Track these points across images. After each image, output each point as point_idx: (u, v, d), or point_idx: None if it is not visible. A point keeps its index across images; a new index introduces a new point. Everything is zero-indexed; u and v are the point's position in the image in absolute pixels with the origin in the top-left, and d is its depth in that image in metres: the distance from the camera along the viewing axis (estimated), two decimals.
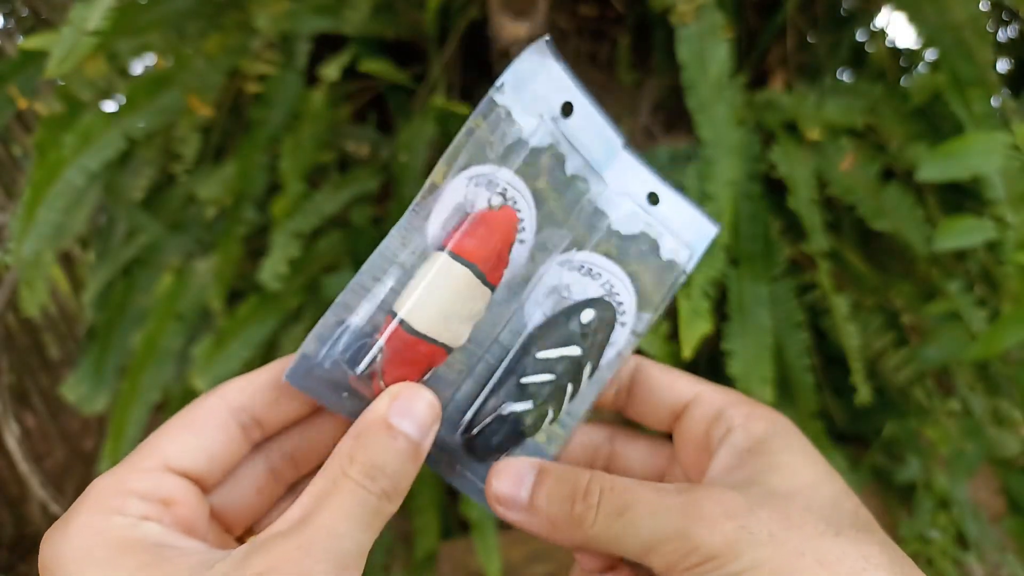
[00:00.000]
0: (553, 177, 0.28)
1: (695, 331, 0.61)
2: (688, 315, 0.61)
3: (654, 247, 0.30)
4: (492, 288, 0.26)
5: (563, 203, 0.28)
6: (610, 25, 0.80)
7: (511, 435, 0.28)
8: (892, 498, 0.91)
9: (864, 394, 0.67)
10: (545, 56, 0.27)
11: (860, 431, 0.91)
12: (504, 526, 0.88)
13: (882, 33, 0.86)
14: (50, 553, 0.21)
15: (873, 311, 0.76)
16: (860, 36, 0.88)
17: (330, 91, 0.76)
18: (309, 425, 0.27)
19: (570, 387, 0.28)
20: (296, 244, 0.72)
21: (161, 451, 0.23)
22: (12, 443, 1.07)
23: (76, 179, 0.71)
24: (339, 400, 0.26)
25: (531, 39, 0.74)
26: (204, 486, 0.24)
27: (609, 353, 0.29)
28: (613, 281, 0.29)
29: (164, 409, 0.79)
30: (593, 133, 0.29)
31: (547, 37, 0.27)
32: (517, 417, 0.27)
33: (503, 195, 0.27)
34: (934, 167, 0.62)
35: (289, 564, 0.20)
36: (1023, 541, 0.82)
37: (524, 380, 0.27)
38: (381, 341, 0.25)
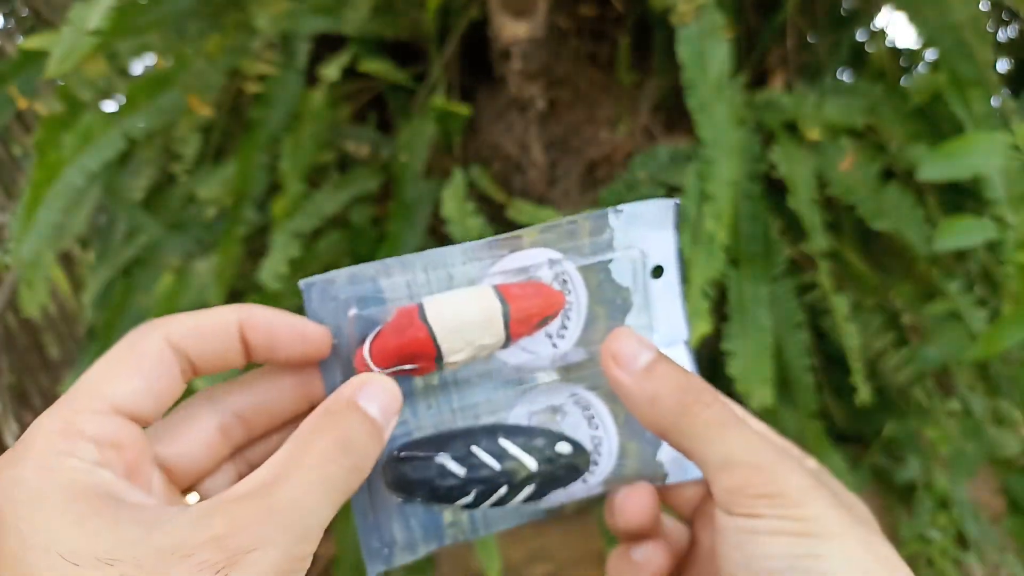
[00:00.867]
0: (612, 312, 0.29)
1: (695, 331, 0.61)
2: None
3: (651, 452, 0.30)
4: (507, 341, 0.27)
5: (606, 335, 0.29)
6: (610, 25, 0.80)
7: (426, 484, 0.27)
8: (892, 498, 0.91)
9: (864, 394, 0.67)
10: (668, 216, 0.28)
11: (860, 431, 0.91)
12: None
13: (882, 33, 0.86)
14: (1, 497, 0.20)
15: (873, 311, 0.76)
16: (860, 36, 0.88)
17: (330, 91, 0.76)
18: (259, 387, 0.27)
19: (503, 490, 0.27)
20: (296, 244, 0.72)
21: (109, 392, 0.23)
22: (12, 443, 1.07)
23: (76, 179, 0.71)
24: (323, 318, 0.26)
25: (531, 39, 0.74)
26: (144, 425, 0.24)
27: (556, 496, 0.29)
28: (604, 443, 0.29)
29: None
30: (667, 309, 0.30)
31: (677, 201, 0.28)
32: (443, 472, 0.27)
33: (566, 288, 0.28)
34: (934, 167, 0.62)
35: (250, 530, 0.20)
36: (1023, 541, 0.82)
37: (473, 449, 0.27)
38: (392, 312, 0.26)
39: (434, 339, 0.25)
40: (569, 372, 0.29)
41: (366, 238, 0.77)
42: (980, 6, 0.65)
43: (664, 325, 0.30)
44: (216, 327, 0.25)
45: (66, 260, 1.26)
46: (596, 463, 0.29)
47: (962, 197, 0.73)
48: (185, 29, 0.79)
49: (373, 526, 0.28)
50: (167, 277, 0.79)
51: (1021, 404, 0.77)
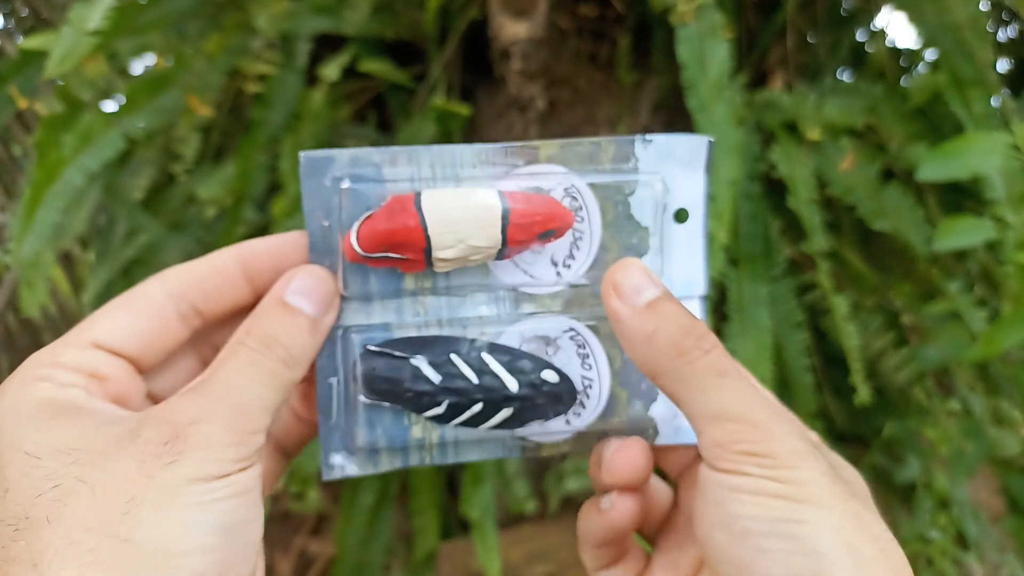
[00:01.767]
0: (626, 250, 0.27)
1: None
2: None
3: (644, 406, 0.28)
4: (503, 248, 0.25)
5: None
6: (610, 25, 0.80)
7: (397, 385, 0.25)
8: (892, 498, 0.91)
9: (864, 394, 0.67)
10: (701, 155, 0.27)
11: (860, 431, 0.91)
12: (504, 525, 0.88)
13: (882, 33, 0.86)
14: None
15: (873, 311, 0.76)
16: (860, 36, 0.88)
17: (330, 91, 0.76)
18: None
19: (478, 407, 0.26)
20: None
21: (92, 330, 0.24)
22: None
23: (76, 179, 0.71)
24: (318, 210, 0.25)
25: (531, 39, 0.74)
26: (139, 368, 0.25)
27: (533, 428, 0.27)
28: (594, 387, 0.27)
29: None
30: (687, 258, 0.28)
31: (712, 139, 0.27)
32: (417, 375, 0.25)
33: (578, 211, 0.26)
34: (934, 167, 0.62)
35: (190, 408, 0.21)
36: (1023, 541, 0.82)
37: (452, 357, 0.26)
38: (387, 199, 0.25)
39: (424, 228, 0.24)
40: (570, 305, 0.27)
41: None
42: (980, 6, 0.65)
43: (681, 275, 0.28)
44: (213, 268, 0.25)
45: (66, 260, 1.26)
46: (583, 405, 0.27)
47: (962, 197, 0.73)
48: (185, 29, 0.79)
49: (335, 427, 0.26)
50: None
51: (1021, 404, 0.77)
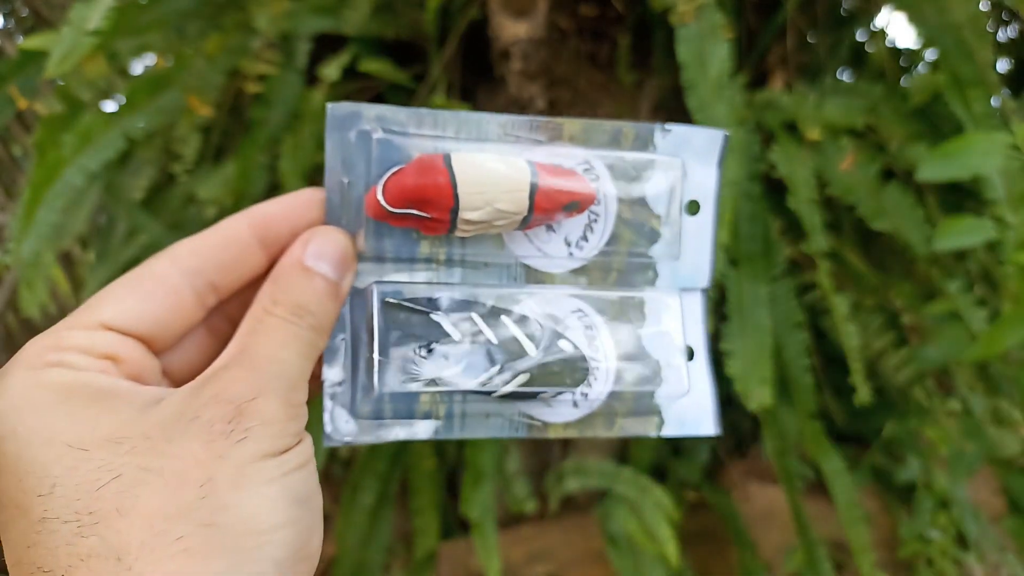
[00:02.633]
0: (638, 236, 0.27)
1: None
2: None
3: (649, 392, 0.28)
4: (528, 215, 0.25)
5: (625, 265, 0.27)
6: (610, 25, 0.80)
7: (417, 338, 0.25)
8: (892, 498, 0.91)
9: (864, 394, 0.67)
10: (715, 149, 0.27)
11: (860, 431, 0.91)
12: (504, 525, 0.89)
13: (882, 33, 0.86)
14: None
15: (873, 311, 0.76)
16: (860, 36, 0.89)
17: (330, 91, 0.76)
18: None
19: (495, 369, 0.25)
20: None
21: (99, 311, 0.22)
22: None
23: (76, 179, 0.71)
24: (339, 165, 0.24)
25: (531, 39, 0.74)
26: (154, 348, 0.23)
27: (540, 406, 0.27)
28: (601, 370, 0.27)
29: None
30: (695, 250, 0.28)
31: (727, 133, 0.27)
32: (439, 331, 0.25)
33: (597, 194, 0.26)
34: (934, 167, 0.62)
35: (245, 384, 0.21)
36: (1023, 541, 0.82)
37: (475, 317, 0.25)
38: (414, 158, 0.24)
39: (454, 187, 0.24)
40: (579, 286, 0.27)
41: None
42: (980, 6, 0.65)
43: (688, 265, 0.28)
44: (227, 239, 0.24)
45: (66, 260, 1.26)
46: (590, 386, 0.27)
47: (962, 197, 0.73)
48: (185, 29, 0.79)
49: (341, 389, 0.25)
50: None
51: (1021, 404, 0.77)
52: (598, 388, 0.27)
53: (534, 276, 0.27)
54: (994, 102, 0.66)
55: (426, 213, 0.24)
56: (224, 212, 0.79)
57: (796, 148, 0.71)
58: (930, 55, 0.82)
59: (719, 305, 0.69)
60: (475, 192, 0.24)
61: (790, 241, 0.73)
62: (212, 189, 0.78)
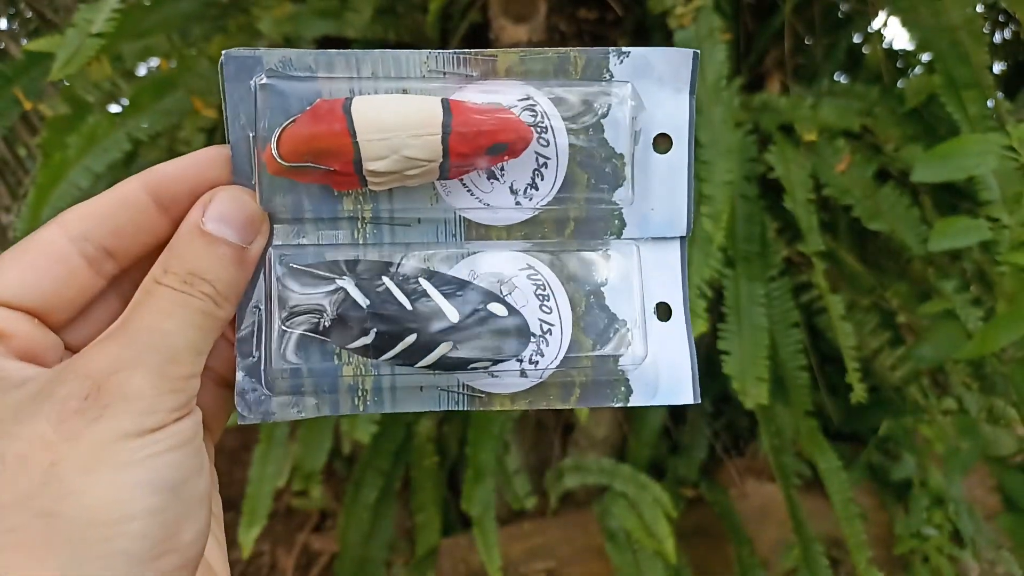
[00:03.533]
0: (598, 179, 0.24)
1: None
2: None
3: (612, 358, 0.24)
4: (444, 162, 0.22)
5: (584, 214, 0.24)
6: (609, 28, 0.81)
7: (319, 307, 0.23)
8: (888, 496, 0.92)
9: (860, 393, 0.68)
10: (685, 72, 0.24)
11: (856, 429, 0.92)
12: (505, 522, 0.89)
13: (878, 36, 0.87)
14: None
15: (869, 310, 0.77)
16: (856, 39, 0.89)
17: None
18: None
19: (411, 339, 0.22)
20: None
21: None
22: None
23: (81, 180, 0.71)
24: (241, 117, 0.22)
25: (531, 42, 0.75)
26: (50, 322, 0.21)
27: (478, 375, 0.24)
28: (554, 333, 0.24)
29: None
30: (668, 192, 0.24)
31: (697, 52, 0.24)
32: (343, 300, 0.23)
33: (542, 132, 0.23)
34: (929, 168, 0.63)
35: (110, 357, 0.19)
36: (1018, 538, 0.83)
37: (384, 279, 0.23)
38: (314, 104, 0.21)
39: (353, 135, 0.21)
40: (529, 241, 0.24)
41: None
42: (975, 8, 0.65)
43: (662, 211, 0.25)
44: (118, 201, 0.22)
45: None
46: (541, 353, 0.24)
47: (957, 198, 0.74)
48: (189, 32, 0.79)
49: (256, 363, 0.23)
50: None
51: (1016, 402, 0.77)
52: (550, 354, 0.24)
53: (476, 231, 0.24)
54: (989, 104, 0.66)
55: (326, 166, 0.21)
56: None
57: (793, 150, 0.72)
58: (926, 57, 0.83)
59: (716, 304, 0.70)
60: (377, 139, 0.21)
61: (787, 241, 0.73)
62: None
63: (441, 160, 0.22)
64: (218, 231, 0.21)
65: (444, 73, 0.23)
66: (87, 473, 0.17)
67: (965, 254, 0.75)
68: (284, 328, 0.23)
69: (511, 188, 0.24)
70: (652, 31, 0.80)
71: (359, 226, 0.23)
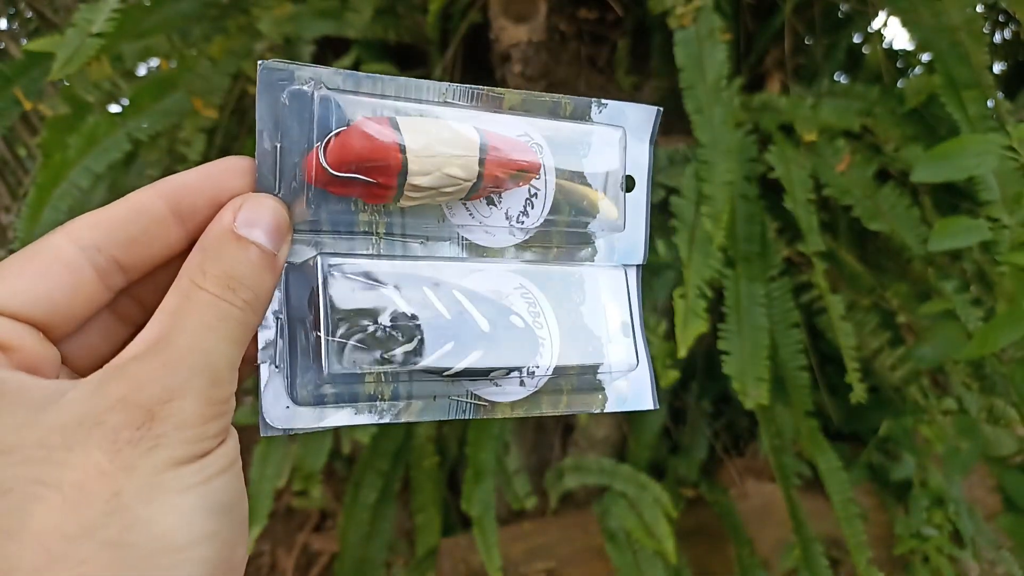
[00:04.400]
0: (576, 211, 0.27)
1: (691, 330, 0.61)
2: (684, 315, 0.62)
3: (592, 369, 0.27)
4: (478, 182, 0.24)
5: (565, 240, 0.27)
6: (609, 28, 0.81)
7: (368, 312, 0.23)
8: (888, 496, 0.92)
9: (860, 393, 0.68)
10: (648, 125, 0.28)
11: (856, 429, 0.92)
12: (505, 522, 0.89)
13: (878, 36, 0.87)
14: None
15: (869, 311, 0.77)
16: (857, 39, 0.89)
17: None
18: (166, 269, 0.22)
19: (450, 346, 0.24)
20: None
21: None
22: None
23: (81, 180, 0.71)
24: (270, 129, 0.22)
25: (531, 42, 0.75)
26: (51, 335, 0.20)
27: (486, 386, 0.26)
28: (546, 347, 0.26)
29: None
30: (632, 224, 0.28)
31: (660, 109, 0.28)
32: (390, 306, 0.24)
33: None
34: (929, 169, 0.63)
35: (158, 383, 0.18)
36: (1018, 538, 0.83)
37: (427, 291, 0.24)
38: (360, 117, 0.23)
39: (403, 151, 0.22)
40: (520, 262, 0.27)
41: None
42: (976, 8, 0.65)
43: (624, 242, 0.28)
44: (134, 210, 0.21)
45: None
46: (537, 364, 0.26)
47: (957, 198, 0.74)
48: (189, 32, 0.79)
49: (278, 372, 0.23)
50: None
51: (1016, 402, 0.77)
52: (544, 366, 0.26)
53: (476, 251, 0.26)
54: (989, 104, 0.66)
55: (372, 178, 0.22)
56: None
57: (793, 150, 0.72)
58: (926, 57, 0.83)
59: (716, 304, 0.70)
60: (425, 156, 0.22)
61: (786, 241, 0.73)
62: None
63: (475, 180, 0.24)
64: (251, 235, 0.21)
65: (457, 106, 0.25)
66: (149, 502, 0.17)
67: (965, 254, 0.75)
68: (324, 338, 0.23)
69: (506, 214, 0.26)
70: (652, 31, 0.80)
71: (375, 240, 0.24)
